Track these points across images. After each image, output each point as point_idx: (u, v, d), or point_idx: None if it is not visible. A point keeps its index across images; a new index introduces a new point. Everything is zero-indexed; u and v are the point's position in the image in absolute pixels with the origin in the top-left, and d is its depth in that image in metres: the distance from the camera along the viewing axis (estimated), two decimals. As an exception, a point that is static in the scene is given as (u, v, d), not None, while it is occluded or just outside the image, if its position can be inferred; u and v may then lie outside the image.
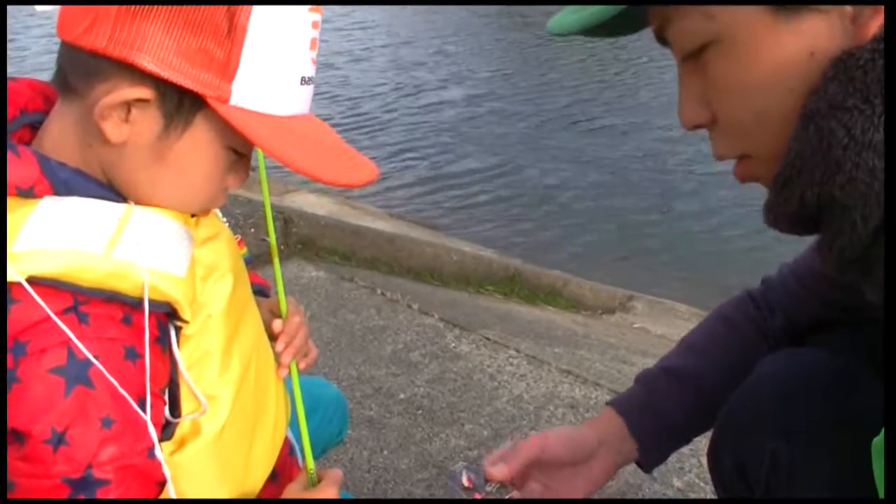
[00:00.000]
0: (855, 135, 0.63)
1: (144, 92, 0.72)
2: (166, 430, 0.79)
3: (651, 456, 1.16)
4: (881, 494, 0.63)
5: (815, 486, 0.87)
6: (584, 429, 1.15)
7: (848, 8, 0.64)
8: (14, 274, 0.67)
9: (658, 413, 1.14)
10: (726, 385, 1.03)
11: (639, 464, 1.16)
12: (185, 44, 0.71)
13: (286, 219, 3.30)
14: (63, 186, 0.73)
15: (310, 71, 0.80)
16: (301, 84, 0.79)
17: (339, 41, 9.36)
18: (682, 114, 0.76)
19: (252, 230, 3.02)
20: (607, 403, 1.19)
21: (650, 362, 2.59)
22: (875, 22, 0.64)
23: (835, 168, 0.65)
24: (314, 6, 0.78)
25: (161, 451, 0.75)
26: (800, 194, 0.69)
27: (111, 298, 0.73)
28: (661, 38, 0.75)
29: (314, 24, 0.78)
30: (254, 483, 0.91)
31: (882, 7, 0.63)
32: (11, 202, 0.70)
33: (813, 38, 0.66)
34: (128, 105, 0.73)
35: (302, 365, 1.05)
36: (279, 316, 1.03)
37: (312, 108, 0.84)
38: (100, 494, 0.70)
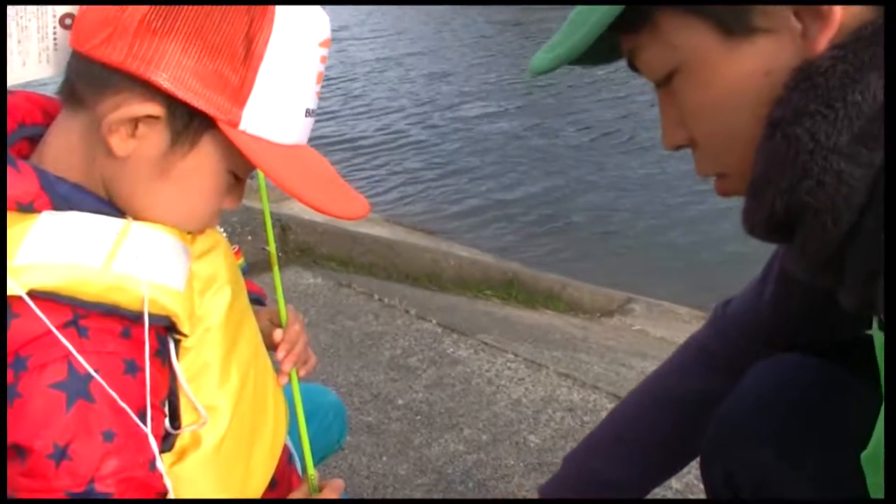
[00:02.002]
0: (820, 139, 0.66)
1: (155, 109, 0.73)
2: (166, 442, 0.79)
3: None
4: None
5: (804, 494, 0.88)
6: None
7: (797, 25, 0.67)
8: (15, 288, 0.68)
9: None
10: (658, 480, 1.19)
11: None
12: (202, 66, 0.72)
13: (284, 226, 3.31)
14: (62, 201, 0.73)
15: (314, 104, 0.82)
16: (305, 116, 0.80)
17: (358, 51, 9.29)
18: (664, 136, 0.81)
19: (249, 237, 3.02)
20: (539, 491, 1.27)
21: (649, 365, 2.61)
22: (825, 36, 0.66)
23: (801, 173, 0.67)
24: (323, 41, 0.79)
25: (162, 463, 0.76)
26: (770, 201, 0.71)
27: (110, 312, 0.73)
28: (633, 66, 0.79)
29: (322, 59, 0.80)
30: (253, 492, 0.92)
31: (830, 21, 0.65)
32: (11, 217, 0.71)
33: (766, 58, 0.69)
34: (135, 120, 0.74)
35: (302, 372, 1.06)
36: (279, 324, 1.04)
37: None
38: None
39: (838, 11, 0.65)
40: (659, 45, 0.73)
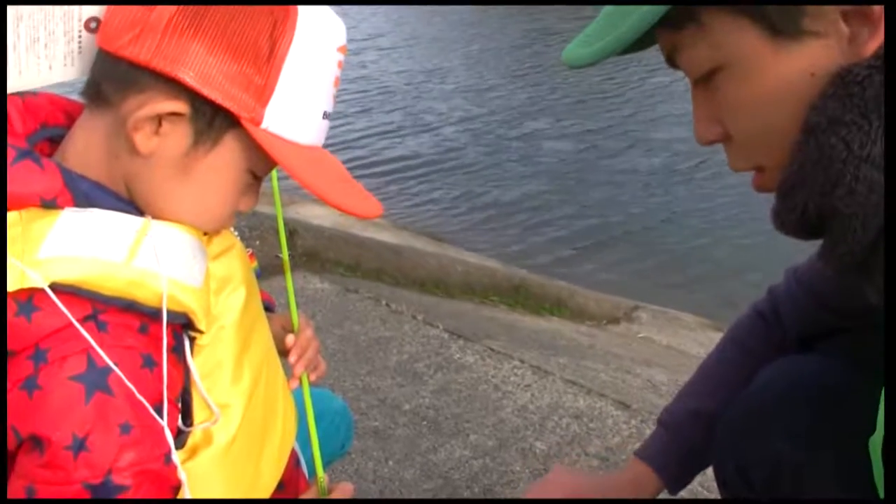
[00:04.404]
0: (853, 149, 0.67)
1: (180, 106, 0.75)
2: (178, 440, 0.80)
3: (677, 486, 1.21)
4: (880, 490, 0.65)
5: (816, 486, 0.89)
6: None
7: (845, 29, 0.68)
8: (38, 280, 0.69)
9: (683, 453, 1.18)
10: None
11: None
12: (227, 65, 0.74)
13: (291, 231, 3.32)
14: (84, 198, 0.75)
15: (331, 107, 0.84)
16: (323, 117, 0.83)
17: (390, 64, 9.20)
18: (696, 131, 0.81)
19: (257, 242, 3.04)
20: (634, 454, 1.22)
21: (655, 372, 2.60)
22: (873, 42, 0.67)
23: (834, 180, 0.68)
24: (341, 46, 0.82)
25: (177, 456, 0.77)
26: (802, 204, 0.72)
27: (128, 308, 0.75)
28: (671, 62, 0.79)
29: (339, 64, 0.83)
30: (263, 492, 0.92)
31: (880, 28, 0.66)
32: (34, 213, 0.72)
33: (813, 60, 0.69)
34: (160, 118, 0.75)
35: (312, 377, 1.08)
36: (290, 330, 1.06)
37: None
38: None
39: None
40: (704, 44, 0.73)
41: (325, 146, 0.86)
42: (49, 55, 0.77)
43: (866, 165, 0.66)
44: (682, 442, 1.18)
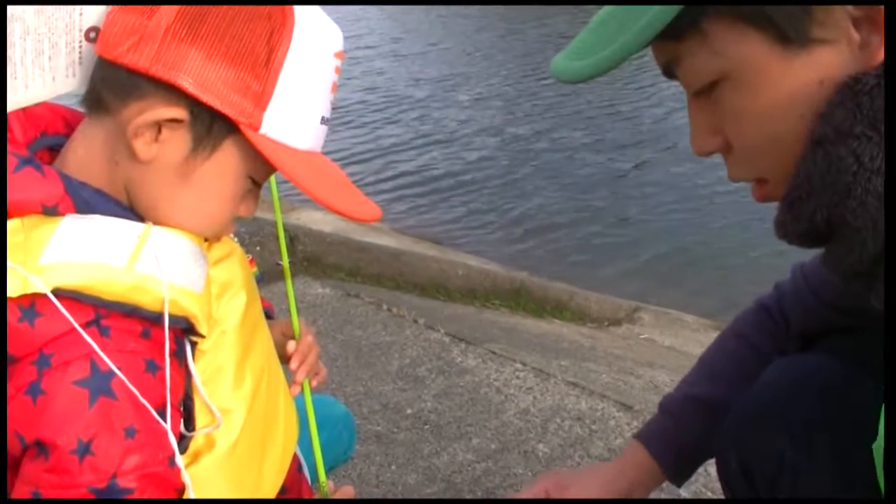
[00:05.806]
0: (864, 161, 0.65)
1: (179, 112, 0.75)
2: (181, 445, 0.80)
3: (678, 475, 1.20)
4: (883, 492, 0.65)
5: (818, 485, 0.89)
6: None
7: (855, 36, 0.66)
8: (40, 285, 0.70)
9: (683, 440, 1.17)
10: None
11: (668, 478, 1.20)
12: (225, 71, 0.75)
13: (292, 236, 3.33)
14: (85, 205, 0.75)
15: (328, 112, 0.85)
16: (320, 123, 0.84)
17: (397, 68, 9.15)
18: (695, 142, 0.79)
19: (258, 248, 3.04)
20: (633, 436, 1.22)
21: (657, 374, 2.60)
22: (883, 49, 0.65)
23: (845, 193, 0.67)
24: (338, 52, 0.83)
25: (181, 459, 0.77)
26: (810, 215, 0.71)
27: (130, 313, 0.75)
28: (669, 74, 0.77)
29: (336, 69, 0.84)
30: (265, 496, 0.93)
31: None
32: (36, 219, 0.73)
33: (822, 67, 0.68)
34: (159, 124, 0.76)
35: (313, 383, 1.08)
36: (291, 337, 1.07)
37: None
38: None
39: None
40: (706, 54, 0.71)
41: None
42: (53, 67, 0.78)
43: (877, 178, 0.65)
44: (679, 426, 1.17)
